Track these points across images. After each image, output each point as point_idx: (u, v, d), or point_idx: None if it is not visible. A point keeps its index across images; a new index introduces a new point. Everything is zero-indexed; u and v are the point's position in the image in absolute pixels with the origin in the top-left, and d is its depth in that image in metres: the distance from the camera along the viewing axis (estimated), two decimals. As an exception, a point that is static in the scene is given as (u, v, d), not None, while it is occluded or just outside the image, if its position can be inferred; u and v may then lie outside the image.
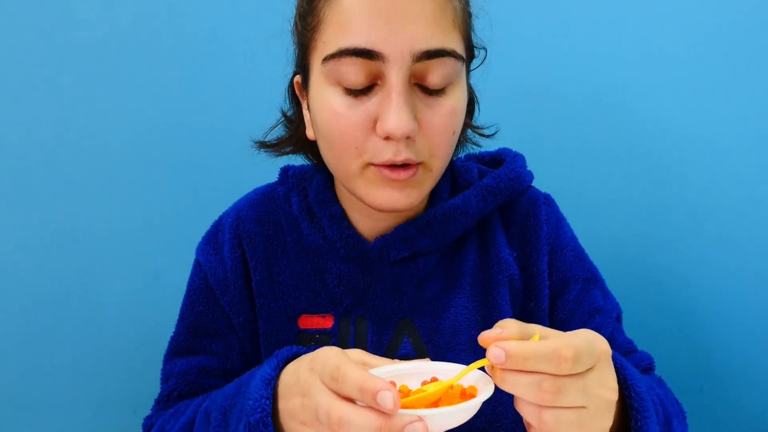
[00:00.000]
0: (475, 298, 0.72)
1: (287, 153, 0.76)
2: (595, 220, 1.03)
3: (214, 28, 1.04)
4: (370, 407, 0.45)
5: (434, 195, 0.73)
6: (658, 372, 1.02)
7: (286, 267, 0.74)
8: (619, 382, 0.54)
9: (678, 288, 1.03)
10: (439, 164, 0.64)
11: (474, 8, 0.69)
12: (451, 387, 0.51)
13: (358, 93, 0.60)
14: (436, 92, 0.61)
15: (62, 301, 1.05)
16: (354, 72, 0.59)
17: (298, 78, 0.70)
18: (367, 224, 0.72)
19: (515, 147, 0.81)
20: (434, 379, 0.53)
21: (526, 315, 0.73)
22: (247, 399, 0.55)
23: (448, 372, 0.53)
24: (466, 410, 0.48)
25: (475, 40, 0.69)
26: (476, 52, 0.70)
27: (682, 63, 1.01)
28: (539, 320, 0.72)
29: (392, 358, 0.69)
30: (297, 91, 0.72)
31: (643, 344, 1.02)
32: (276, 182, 0.79)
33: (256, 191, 0.80)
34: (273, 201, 0.77)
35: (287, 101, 0.76)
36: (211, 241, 0.77)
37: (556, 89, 1.04)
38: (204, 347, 0.75)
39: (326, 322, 0.72)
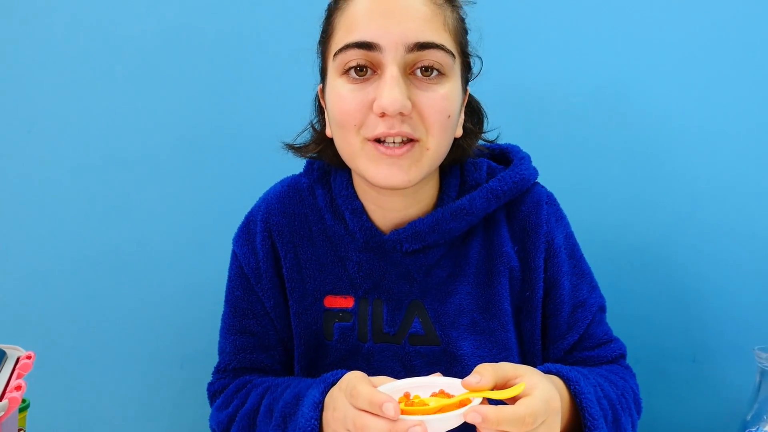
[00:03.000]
0: (478, 285, 0.80)
1: (309, 156, 0.85)
2: (596, 206, 1.09)
3: (256, 42, 1.13)
4: (382, 416, 0.58)
5: (443, 194, 0.80)
6: (651, 343, 1.10)
7: (312, 254, 0.83)
8: (577, 405, 0.70)
9: (673, 261, 1.09)
10: (435, 144, 0.72)
11: (470, 23, 0.77)
12: (450, 398, 0.62)
13: (360, 81, 0.70)
14: (430, 81, 0.70)
15: (119, 269, 1.15)
16: (355, 61, 0.70)
17: (321, 86, 0.80)
18: (383, 215, 0.80)
19: (515, 142, 0.88)
20: (441, 391, 0.64)
21: (523, 302, 0.81)
22: (300, 416, 0.69)
23: (451, 385, 0.64)
24: (457, 416, 0.58)
25: (470, 50, 0.77)
26: (472, 62, 0.78)
27: (679, 60, 1.05)
28: (533, 307, 0.81)
29: (404, 334, 0.80)
30: (320, 97, 0.81)
31: (639, 316, 1.09)
32: (300, 174, 0.88)
33: (282, 183, 0.88)
34: (298, 193, 0.85)
35: (314, 112, 0.85)
36: (245, 233, 0.86)
37: (556, 86, 1.10)
38: (245, 327, 0.86)
39: (348, 303, 0.81)
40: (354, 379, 0.63)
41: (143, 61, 1.13)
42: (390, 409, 0.57)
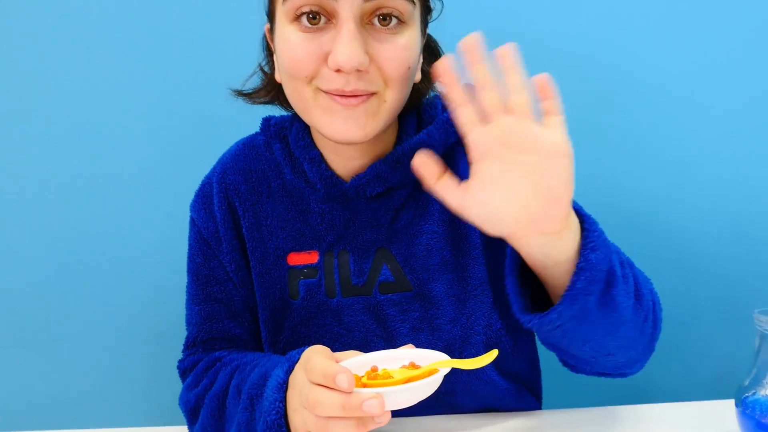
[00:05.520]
0: (444, 222, 0.77)
1: (262, 102, 0.81)
2: (582, 165, 1.07)
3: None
4: (336, 390, 0.54)
5: (401, 132, 0.77)
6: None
7: (271, 210, 0.80)
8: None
9: (663, 226, 1.08)
10: (393, 96, 0.68)
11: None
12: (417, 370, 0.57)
13: (313, 30, 0.66)
14: (388, 30, 0.66)
15: (91, 243, 1.15)
16: (308, 6, 0.65)
17: (268, 25, 0.75)
18: (342, 164, 0.77)
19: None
20: (412, 363, 0.59)
21: None
22: (264, 399, 0.65)
23: (423, 357, 0.59)
24: (420, 388, 0.54)
25: None
26: (432, 3, 0.74)
27: (676, 26, 1.06)
28: None
29: (374, 283, 0.77)
30: (268, 38, 0.77)
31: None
32: (256, 133, 0.84)
33: (237, 143, 0.85)
34: (254, 150, 0.82)
35: (263, 53, 0.81)
36: (201, 197, 0.83)
37: (554, 44, 1.08)
38: (209, 295, 0.82)
39: (312, 258, 0.78)
40: (310, 352, 0.60)
41: (119, 63, 1.13)
42: (343, 381, 0.53)
